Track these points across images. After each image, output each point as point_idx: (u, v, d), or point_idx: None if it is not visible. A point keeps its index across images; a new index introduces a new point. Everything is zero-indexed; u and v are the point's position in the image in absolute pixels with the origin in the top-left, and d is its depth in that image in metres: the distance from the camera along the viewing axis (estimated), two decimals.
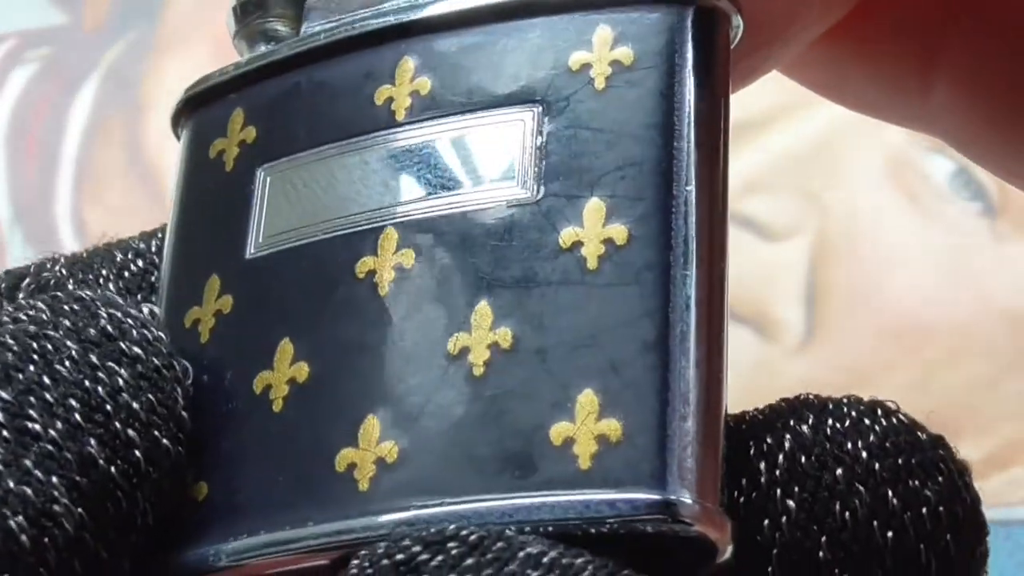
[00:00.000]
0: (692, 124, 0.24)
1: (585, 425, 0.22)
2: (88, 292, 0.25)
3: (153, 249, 0.28)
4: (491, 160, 0.25)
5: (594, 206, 0.24)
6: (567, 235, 0.24)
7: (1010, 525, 0.63)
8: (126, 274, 0.27)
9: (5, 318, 0.24)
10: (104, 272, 0.27)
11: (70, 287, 0.27)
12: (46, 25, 0.84)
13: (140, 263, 0.28)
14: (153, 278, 0.27)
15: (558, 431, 0.22)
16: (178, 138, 0.28)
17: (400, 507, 0.22)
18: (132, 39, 0.83)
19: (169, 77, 0.82)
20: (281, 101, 0.27)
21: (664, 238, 0.24)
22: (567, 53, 0.25)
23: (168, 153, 0.80)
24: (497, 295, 0.23)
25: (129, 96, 0.81)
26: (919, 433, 0.24)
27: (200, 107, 0.28)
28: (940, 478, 0.24)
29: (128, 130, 0.80)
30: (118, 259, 0.28)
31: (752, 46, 0.26)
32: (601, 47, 0.25)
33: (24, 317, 0.24)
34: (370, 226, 0.24)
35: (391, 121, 0.26)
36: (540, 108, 0.25)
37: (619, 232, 0.24)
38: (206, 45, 0.82)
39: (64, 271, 0.28)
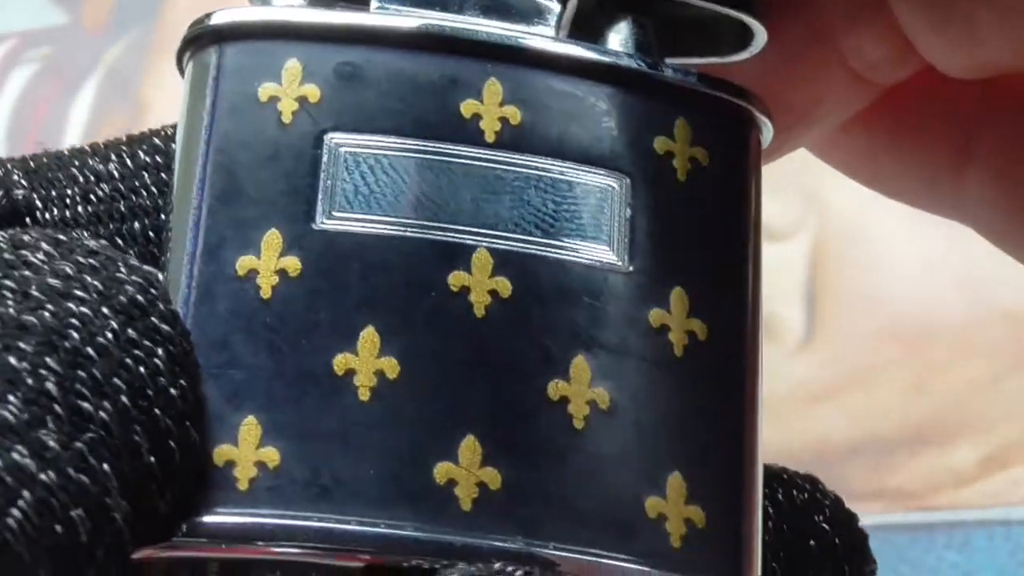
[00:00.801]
0: (754, 228, 0.26)
1: (676, 506, 0.24)
2: (97, 244, 0.23)
3: (116, 173, 0.26)
4: (584, 216, 0.25)
5: (678, 295, 0.25)
6: (656, 316, 0.25)
7: (1010, 525, 0.63)
8: (92, 199, 0.25)
9: (7, 255, 0.22)
10: (69, 194, 0.25)
11: (47, 217, 0.25)
12: (46, 25, 0.84)
13: (105, 188, 0.26)
14: (123, 207, 0.25)
15: (652, 505, 0.24)
16: (183, 66, 0.27)
17: (505, 537, 0.23)
18: (132, 39, 0.83)
19: (169, 77, 0.82)
20: (351, 72, 0.25)
21: (741, 338, 0.25)
22: (652, 135, 0.26)
23: None
24: (595, 354, 0.24)
25: (129, 96, 0.81)
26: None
27: (237, 39, 0.26)
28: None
29: (128, 130, 0.80)
30: (80, 180, 0.26)
31: (776, 131, 0.28)
32: (682, 140, 0.26)
33: (37, 262, 0.22)
34: (461, 240, 0.25)
35: (480, 139, 0.25)
36: (628, 180, 0.25)
37: (700, 327, 0.25)
38: None
39: (25, 184, 0.25)
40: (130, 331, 0.21)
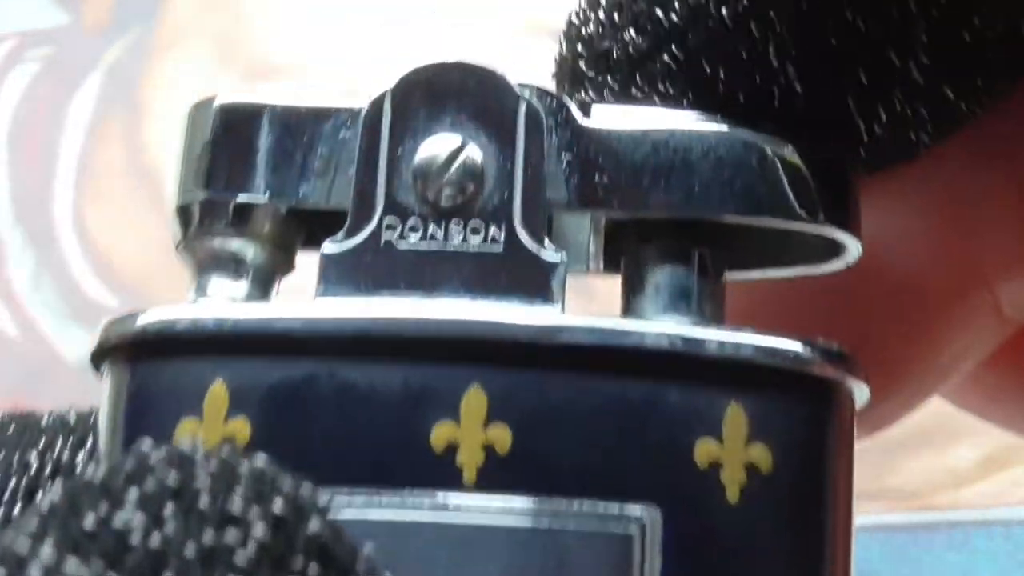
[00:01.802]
0: (842, 545, 0.20)
1: None
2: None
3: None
4: None
5: None
6: None
7: (1010, 525, 0.63)
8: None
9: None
10: None
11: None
12: (46, 25, 0.84)
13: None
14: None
15: None
16: (100, 374, 0.21)
17: None
18: (132, 39, 0.83)
19: (169, 77, 0.82)
20: (288, 398, 0.20)
21: None
22: (691, 439, 0.19)
23: (168, 153, 0.80)
24: None
25: (129, 96, 0.81)
26: None
27: (151, 356, 0.20)
28: None
29: (128, 130, 0.80)
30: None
31: (883, 404, 0.24)
32: (733, 439, 0.19)
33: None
34: None
35: (456, 480, 0.19)
36: (659, 514, 0.19)
37: None
38: (206, 45, 0.82)
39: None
40: None
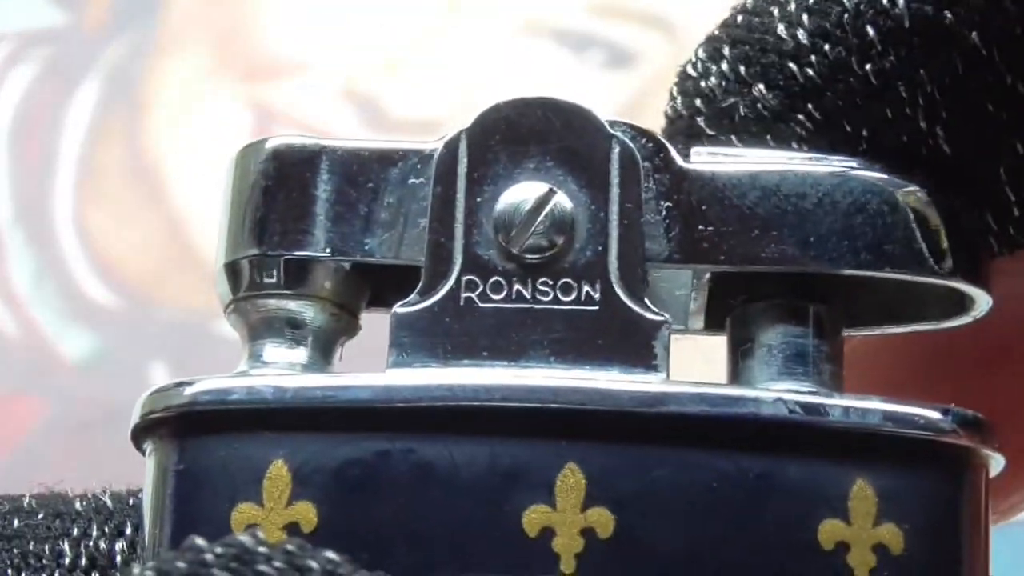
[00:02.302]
0: None
1: None
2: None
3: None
4: None
5: None
6: None
7: (1010, 525, 0.63)
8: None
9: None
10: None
11: None
12: (46, 25, 0.84)
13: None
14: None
15: None
16: (142, 451, 0.20)
17: None
18: (132, 39, 0.83)
19: (169, 77, 0.82)
20: (358, 477, 0.18)
21: None
22: (814, 520, 0.17)
23: (168, 152, 0.80)
24: None
25: (129, 96, 0.81)
26: None
27: (202, 432, 0.18)
28: None
29: (128, 130, 0.80)
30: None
31: (1020, 479, 0.21)
32: (861, 518, 0.17)
33: None
34: None
35: (552, 568, 0.17)
36: None
37: None
38: (206, 45, 0.82)
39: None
40: None
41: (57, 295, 0.77)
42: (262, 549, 0.16)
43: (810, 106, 0.19)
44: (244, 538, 0.16)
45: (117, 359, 0.74)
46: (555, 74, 0.76)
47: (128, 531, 0.20)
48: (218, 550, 0.16)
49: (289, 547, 0.16)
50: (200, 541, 0.16)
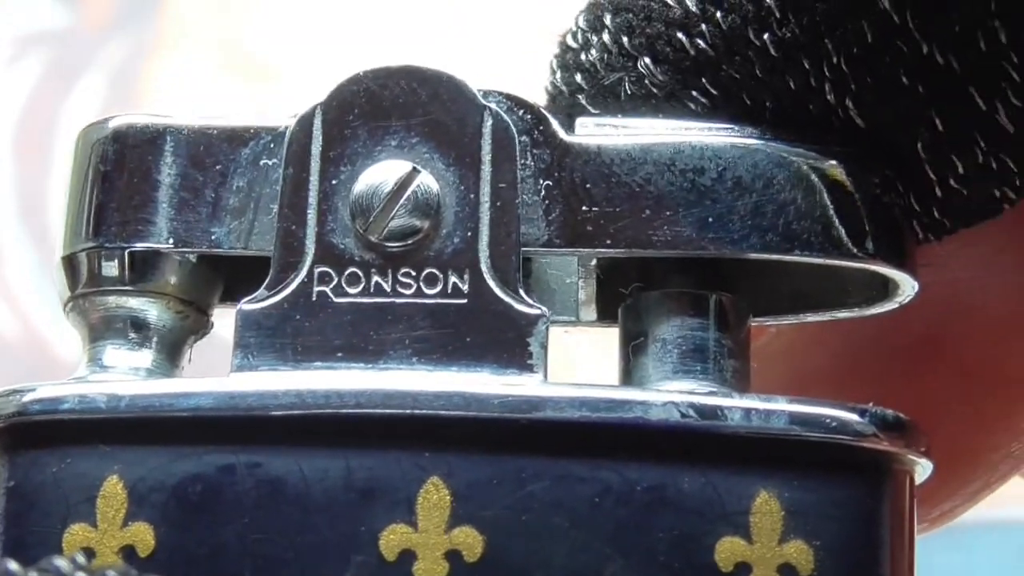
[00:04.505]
0: None
1: None
2: None
3: None
4: None
5: None
6: None
7: (1010, 525, 0.63)
8: None
9: None
10: None
11: None
12: (46, 25, 0.84)
13: None
14: None
15: None
16: None
17: None
18: (133, 39, 0.83)
19: (169, 77, 0.82)
20: (200, 495, 0.16)
21: None
22: (711, 538, 0.15)
23: None
24: None
25: (129, 96, 0.81)
26: None
27: (32, 445, 0.16)
28: None
29: None
30: None
31: (951, 486, 0.20)
32: (765, 535, 0.15)
33: None
34: None
35: None
36: None
37: None
38: (206, 45, 0.82)
39: None
40: None
41: (57, 295, 0.77)
42: (80, 575, 0.14)
43: (704, 81, 0.17)
44: (61, 562, 0.14)
45: None
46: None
47: None
48: (32, 575, 0.14)
49: (110, 573, 0.14)
50: (13, 566, 0.14)
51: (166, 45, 0.82)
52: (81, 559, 0.14)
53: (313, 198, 0.17)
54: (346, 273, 0.16)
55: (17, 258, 0.78)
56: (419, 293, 0.16)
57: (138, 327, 0.17)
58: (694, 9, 0.17)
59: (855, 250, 0.16)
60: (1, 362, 0.76)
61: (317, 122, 0.17)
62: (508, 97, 0.17)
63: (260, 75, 0.80)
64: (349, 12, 0.80)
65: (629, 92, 0.17)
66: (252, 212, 0.17)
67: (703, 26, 0.17)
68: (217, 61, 0.81)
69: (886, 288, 0.17)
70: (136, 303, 0.17)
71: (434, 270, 0.16)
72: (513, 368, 0.16)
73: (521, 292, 0.16)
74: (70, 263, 0.17)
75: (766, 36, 0.16)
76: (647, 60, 0.17)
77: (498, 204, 0.16)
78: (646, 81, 0.17)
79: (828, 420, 0.16)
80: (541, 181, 0.17)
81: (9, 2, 0.85)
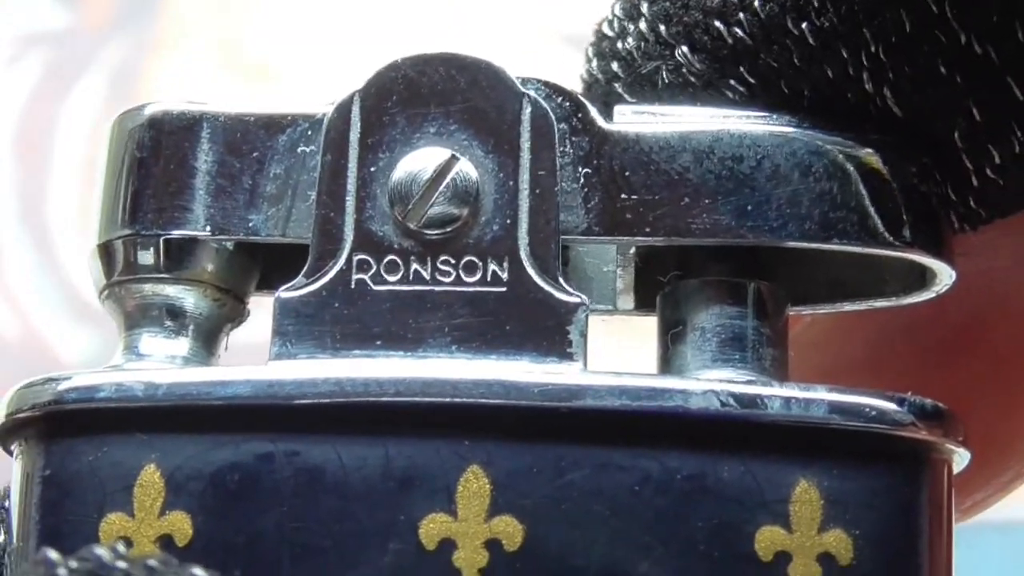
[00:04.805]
0: None
1: None
2: None
3: None
4: None
5: None
6: None
7: (1010, 525, 0.63)
8: None
9: None
10: None
11: None
12: (46, 25, 0.84)
13: None
14: None
15: None
16: (9, 452, 0.17)
17: None
18: (132, 39, 0.83)
19: (169, 77, 0.82)
20: (237, 484, 0.16)
21: None
22: (751, 527, 0.15)
23: None
24: None
25: (129, 96, 0.81)
26: None
27: (69, 434, 0.16)
28: None
29: None
30: None
31: (984, 476, 0.20)
32: (805, 524, 0.15)
33: None
34: None
35: None
36: None
37: None
38: (206, 45, 0.82)
39: None
40: None
41: (57, 295, 0.77)
42: (120, 564, 0.14)
43: (742, 69, 0.17)
44: (101, 551, 0.14)
45: None
46: (564, 79, 0.76)
47: (1, 537, 0.18)
48: (72, 564, 0.14)
49: (151, 562, 0.14)
50: (53, 555, 0.14)
51: (166, 45, 0.82)
52: (121, 548, 0.14)
53: (351, 185, 0.17)
54: (385, 261, 0.16)
55: (17, 258, 0.78)
56: (458, 281, 0.16)
57: (174, 315, 0.17)
58: None
59: (892, 239, 0.16)
60: (1, 362, 0.76)
61: (355, 109, 0.17)
62: (547, 84, 0.17)
63: (260, 75, 0.80)
64: (349, 12, 0.80)
65: (666, 81, 0.17)
66: (289, 199, 0.17)
67: (741, 15, 0.17)
68: (217, 61, 0.81)
69: (923, 277, 0.17)
70: (172, 291, 0.17)
71: (473, 258, 0.16)
72: (553, 356, 0.16)
73: (560, 280, 0.16)
74: (106, 251, 0.17)
75: (804, 25, 0.16)
76: (684, 49, 0.17)
77: (537, 192, 0.16)
78: (683, 70, 0.17)
79: (867, 409, 0.16)
80: (580, 169, 0.17)
81: (9, 2, 0.85)
